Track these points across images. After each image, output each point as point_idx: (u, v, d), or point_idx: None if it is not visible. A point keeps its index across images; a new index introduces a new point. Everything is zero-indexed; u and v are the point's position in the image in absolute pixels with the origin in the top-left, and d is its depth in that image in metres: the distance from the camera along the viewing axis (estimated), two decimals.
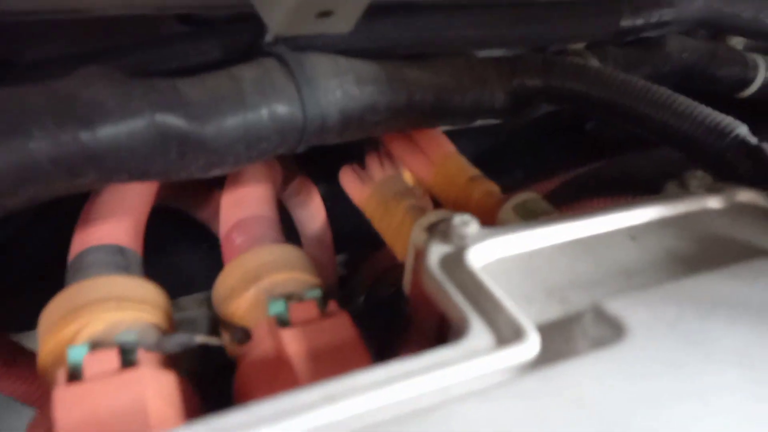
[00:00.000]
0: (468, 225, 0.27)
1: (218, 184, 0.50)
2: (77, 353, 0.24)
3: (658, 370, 0.19)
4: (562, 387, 0.18)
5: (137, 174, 0.30)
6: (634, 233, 0.29)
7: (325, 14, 0.32)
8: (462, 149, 0.50)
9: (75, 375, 0.24)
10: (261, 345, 0.28)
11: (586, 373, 0.19)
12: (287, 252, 0.34)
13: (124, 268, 0.33)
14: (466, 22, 0.46)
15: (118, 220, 0.35)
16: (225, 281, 0.34)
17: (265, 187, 0.44)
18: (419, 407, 0.18)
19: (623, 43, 0.54)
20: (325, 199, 0.63)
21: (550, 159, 0.64)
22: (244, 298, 0.32)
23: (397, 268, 0.52)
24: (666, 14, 0.49)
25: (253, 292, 0.32)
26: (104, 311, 0.27)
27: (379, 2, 0.34)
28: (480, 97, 0.47)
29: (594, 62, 0.55)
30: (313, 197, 0.63)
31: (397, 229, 0.41)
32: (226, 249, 0.38)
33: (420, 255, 0.33)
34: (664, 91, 0.42)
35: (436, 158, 0.47)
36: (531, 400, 0.18)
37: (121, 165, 0.29)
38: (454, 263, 0.26)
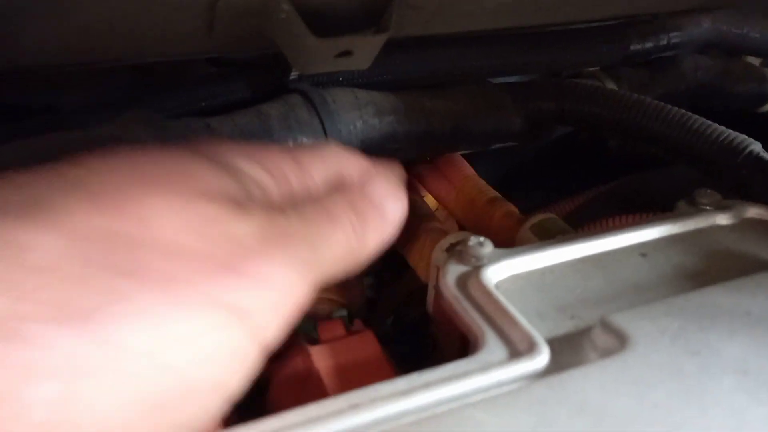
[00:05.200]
0: (483, 246, 0.28)
1: None
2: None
3: (659, 377, 0.20)
4: (569, 393, 0.19)
5: None
6: (644, 250, 0.31)
7: (344, 54, 0.35)
8: (482, 172, 0.52)
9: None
10: (290, 362, 0.30)
11: (591, 380, 0.20)
12: None
13: None
14: (480, 52, 0.48)
15: None
16: None
17: None
18: (436, 412, 0.20)
19: (637, 65, 0.56)
20: None
21: (570, 179, 0.65)
22: None
23: (424, 290, 0.54)
24: (674, 37, 0.50)
25: None
26: None
27: (394, 39, 0.37)
28: (496, 123, 0.49)
29: (610, 84, 0.57)
30: None
31: (419, 250, 0.43)
32: None
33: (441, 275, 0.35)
34: (677, 111, 0.43)
35: (455, 181, 0.49)
36: (539, 405, 0.19)
37: None
38: (470, 282, 0.27)
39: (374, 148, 0.42)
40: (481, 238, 0.29)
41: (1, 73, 0.33)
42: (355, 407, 0.20)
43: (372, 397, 0.21)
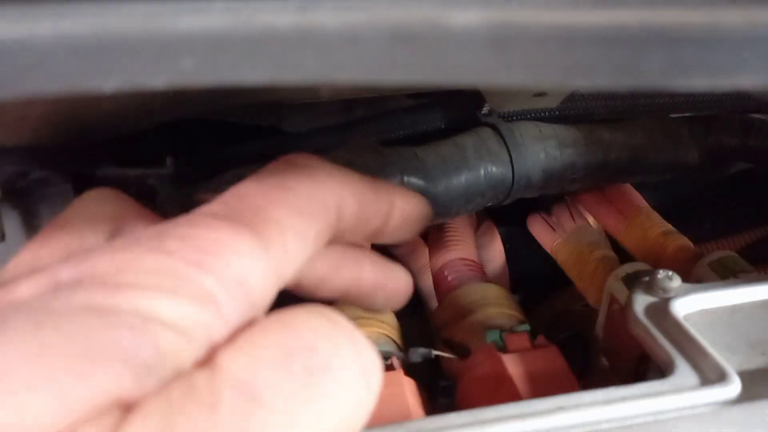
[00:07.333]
0: (672, 279, 0.31)
1: None
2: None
3: None
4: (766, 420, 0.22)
5: None
6: None
7: (539, 95, 0.39)
8: (648, 198, 0.53)
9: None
10: (481, 365, 0.34)
11: None
12: (496, 290, 0.40)
13: None
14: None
15: None
16: (444, 312, 0.41)
17: (469, 233, 0.51)
18: (636, 423, 0.23)
19: None
20: (504, 242, 0.69)
21: (741, 214, 0.63)
22: (461, 327, 0.38)
23: (573, 313, 0.56)
24: None
25: (469, 322, 0.38)
26: (360, 327, 0.35)
27: None
28: (674, 156, 0.50)
29: None
30: (495, 240, 0.69)
31: (590, 277, 0.45)
32: (438, 282, 0.46)
33: (614, 302, 0.37)
34: None
35: (627, 212, 0.50)
36: (739, 426, 0.21)
37: None
38: (659, 312, 0.30)
39: (554, 178, 0.45)
40: (670, 272, 0.31)
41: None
42: (561, 409, 0.24)
43: (576, 402, 0.24)
